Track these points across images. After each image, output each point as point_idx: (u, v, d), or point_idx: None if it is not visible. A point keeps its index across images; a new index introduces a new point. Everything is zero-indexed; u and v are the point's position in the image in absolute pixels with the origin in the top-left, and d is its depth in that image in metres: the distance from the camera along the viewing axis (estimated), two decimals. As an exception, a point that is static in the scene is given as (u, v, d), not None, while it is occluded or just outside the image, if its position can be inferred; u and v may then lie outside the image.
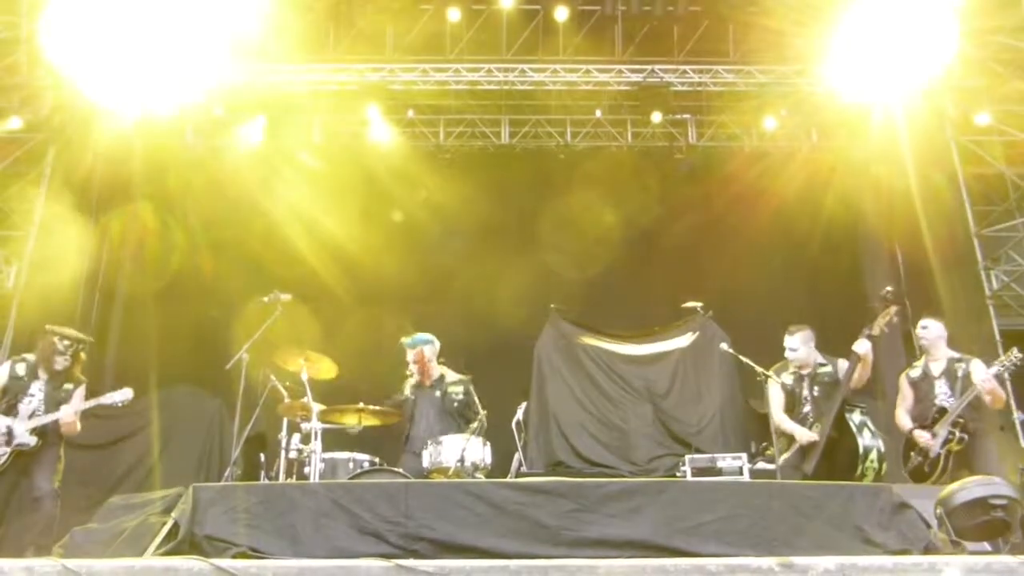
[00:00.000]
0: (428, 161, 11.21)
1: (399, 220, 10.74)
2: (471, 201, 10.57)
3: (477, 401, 6.84)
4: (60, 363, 6.08)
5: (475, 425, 6.36)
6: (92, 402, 6.12)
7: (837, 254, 10.34)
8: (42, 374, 6.11)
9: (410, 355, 7.11)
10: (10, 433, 5.85)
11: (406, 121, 11.26)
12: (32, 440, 5.87)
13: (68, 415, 5.94)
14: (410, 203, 10.78)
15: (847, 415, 5.94)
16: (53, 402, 6.00)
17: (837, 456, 5.90)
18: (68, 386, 6.13)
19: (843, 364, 6.20)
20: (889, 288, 6.29)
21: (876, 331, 6.10)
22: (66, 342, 6.13)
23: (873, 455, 5.77)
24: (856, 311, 9.82)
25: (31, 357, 6.19)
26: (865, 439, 5.83)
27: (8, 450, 5.81)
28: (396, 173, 10.97)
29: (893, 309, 6.14)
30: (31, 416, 5.92)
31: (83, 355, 6.28)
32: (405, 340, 7.20)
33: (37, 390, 6.03)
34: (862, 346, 6.00)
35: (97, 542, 4.56)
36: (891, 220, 10.49)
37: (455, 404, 7.03)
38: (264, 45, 9.95)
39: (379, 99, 10.58)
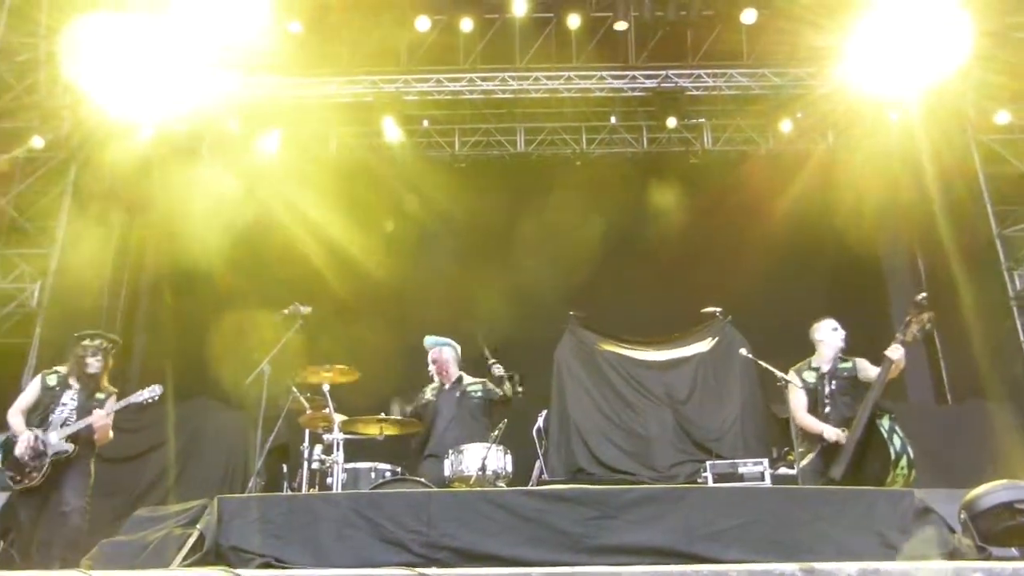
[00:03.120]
0: (443, 171, 11.27)
1: (416, 230, 10.78)
2: (487, 210, 10.61)
3: (506, 382, 6.84)
4: (93, 365, 6.08)
5: (495, 433, 6.37)
6: (123, 402, 6.08)
7: (856, 256, 10.28)
8: (73, 383, 6.10)
9: (430, 356, 7.14)
10: (45, 444, 5.85)
11: (421, 131, 11.34)
12: (67, 447, 5.86)
13: (100, 418, 5.91)
14: (427, 213, 10.82)
15: (878, 421, 5.88)
16: (85, 411, 5.98)
17: (867, 462, 5.82)
18: (100, 396, 6.11)
19: (861, 362, 6.15)
20: (923, 294, 6.21)
21: (909, 337, 6.03)
22: (97, 342, 6.16)
23: (903, 462, 5.69)
24: (877, 313, 9.81)
25: (62, 369, 6.18)
26: (896, 445, 5.76)
27: (46, 461, 5.82)
28: (412, 183, 11.02)
29: (926, 316, 6.06)
30: (63, 424, 5.93)
31: (111, 358, 6.28)
32: (426, 340, 7.25)
33: (69, 399, 6.02)
34: (896, 352, 5.91)
35: (124, 554, 4.60)
36: (911, 221, 10.44)
37: (474, 402, 6.97)
38: (278, 58, 10.04)
39: (394, 110, 10.65)
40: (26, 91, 10.05)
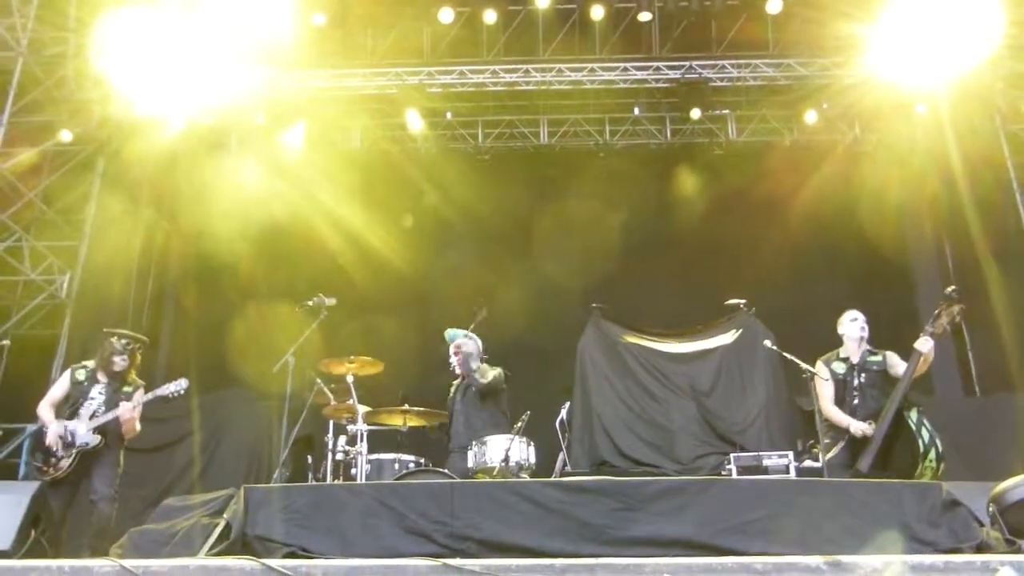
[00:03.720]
0: (467, 163, 11.30)
1: (439, 222, 10.81)
2: (510, 202, 10.63)
3: (503, 385, 6.85)
4: (119, 364, 6.22)
5: (519, 425, 6.38)
6: (150, 395, 6.22)
7: (883, 249, 10.18)
8: (102, 378, 6.24)
9: (451, 348, 7.14)
10: (73, 435, 5.99)
11: (445, 123, 11.35)
12: (95, 439, 6.01)
13: (127, 411, 6.05)
14: (450, 205, 10.84)
15: (906, 413, 5.84)
16: (113, 404, 6.12)
17: (895, 455, 5.78)
18: (127, 389, 6.25)
19: (891, 356, 6.10)
20: (953, 287, 6.15)
21: (939, 330, 5.97)
22: (124, 341, 6.29)
23: (932, 454, 5.65)
24: (903, 306, 9.72)
25: (90, 363, 6.33)
26: (924, 438, 5.72)
27: (73, 452, 5.98)
28: (435, 176, 11.05)
29: (956, 308, 6.00)
30: (91, 417, 6.06)
31: (139, 356, 6.41)
32: (447, 332, 7.26)
33: (97, 393, 6.16)
34: (925, 344, 5.85)
35: (153, 542, 4.66)
36: (938, 212, 10.32)
37: (480, 385, 6.88)
38: (303, 52, 10.10)
39: (417, 102, 10.67)
40: (55, 85, 10.17)
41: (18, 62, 9.59)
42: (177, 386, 6.20)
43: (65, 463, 5.96)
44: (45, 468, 6.00)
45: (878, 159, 10.59)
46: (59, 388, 6.29)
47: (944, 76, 9.25)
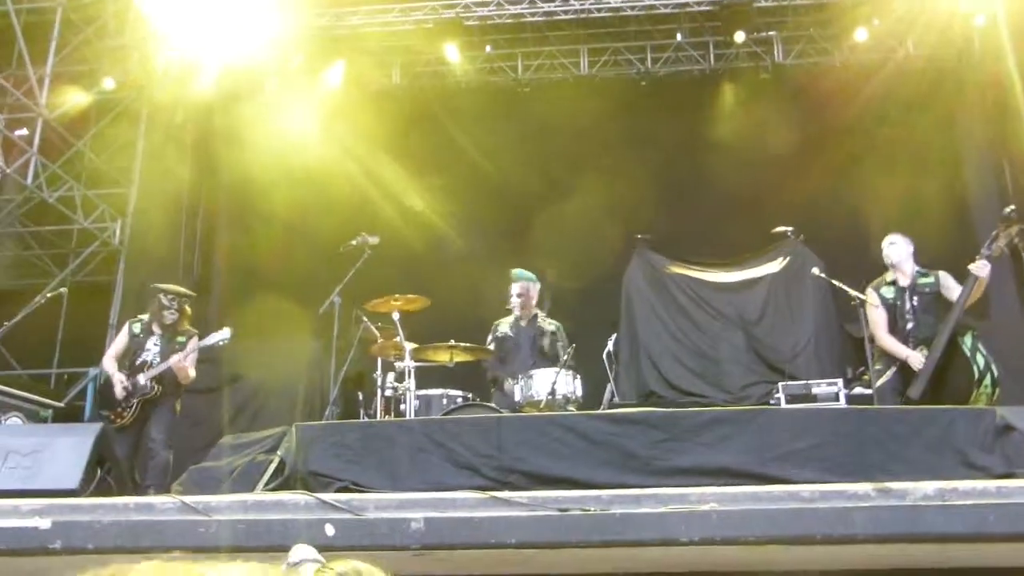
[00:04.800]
0: (507, 96, 11.16)
1: (481, 157, 10.72)
2: (552, 134, 10.49)
3: (566, 342, 6.91)
4: (169, 317, 6.54)
5: (565, 357, 6.42)
6: (195, 346, 6.52)
7: (937, 171, 9.82)
8: (156, 330, 6.57)
9: (515, 288, 7.15)
10: (133, 385, 6.38)
11: (484, 57, 11.19)
12: (152, 387, 6.36)
13: (177, 360, 6.35)
14: (492, 139, 10.74)
15: (960, 338, 5.71)
16: (166, 354, 6.45)
17: (949, 381, 5.67)
18: (181, 339, 6.55)
19: (944, 276, 5.94)
20: (1012, 207, 5.90)
21: (996, 252, 5.78)
22: (170, 296, 6.57)
23: (987, 380, 5.54)
24: (959, 229, 9.43)
25: (145, 317, 6.68)
26: (979, 363, 5.60)
27: (134, 401, 6.36)
28: (476, 110, 10.95)
29: (1015, 229, 5.78)
30: (148, 367, 6.42)
31: (188, 308, 6.71)
32: (514, 271, 7.28)
33: (152, 344, 6.52)
34: (983, 268, 5.66)
35: (211, 479, 4.82)
36: (996, 130, 9.92)
37: (547, 341, 7.06)
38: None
39: (455, 36, 10.51)
40: (95, 34, 10.23)
41: (58, 12, 9.66)
42: (221, 335, 6.52)
43: (128, 412, 6.37)
44: (112, 417, 6.39)
45: (931, 75, 10.19)
46: (120, 341, 6.69)
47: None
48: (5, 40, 10.26)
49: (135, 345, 6.55)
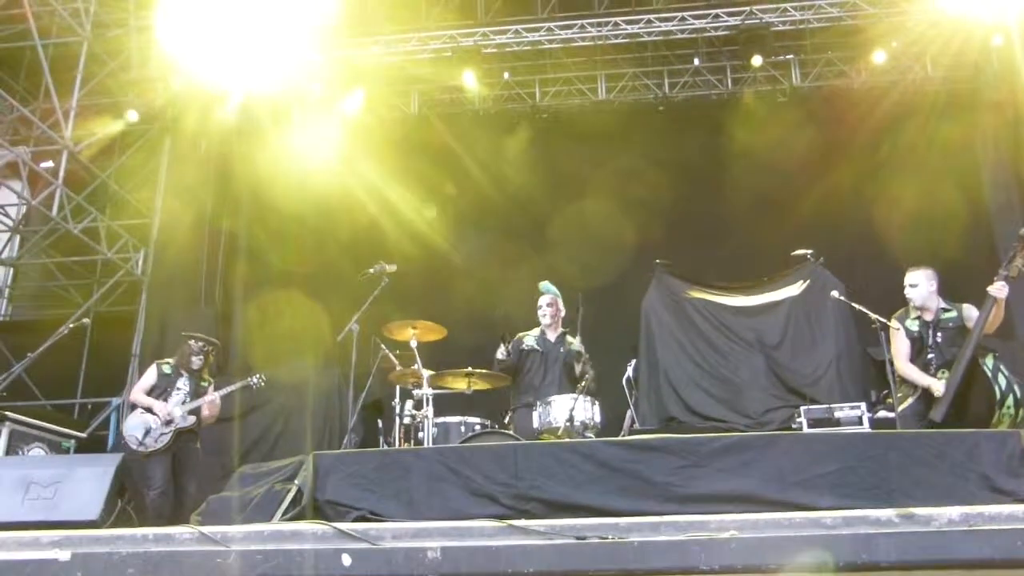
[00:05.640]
0: (526, 122, 11.23)
1: (499, 182, 10.77)
2: (570, 159, 10.53)
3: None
4: (196, 363, 7.02)
5: (583, 384, 6.38)
6: (236, 384, 7.15)
7: (958, 191, 9.75)
8: (183, 372, 7.02)
9: (545, 299, 7.14)
10: (171, 416, 6.77)
11: (502, 84, 11.28)
12: (190, 420, 6.83)
13: (214, 398, 6.96)
14: (511, 165, 10.80)
15: (980, 360, 5.63)
16: (196, 394, 6.96)
17: (971, 403, 5.59)
18: (204, 384, 7.08)
19: (968, 309, 5.84)
20: None
21: (1014, 272, 5.70)
22: (200, 343, 7.08)
23: (1010, 401, 5.44)
24: (980, 251, 9.34)
25: (171, 360, 7.12)
26: (1001, 384, 5.51)
27: (170, 429, 6.74)
28: (494, 137, 11.02)
29: None
30: (183, 403, 6.86)
31: (212, 357, 7.23)
32: (542, 284, 7.29)
33: (183, 384, 6.97)
34: (1001, 290, 5.59)
35: (230, 509, 4.84)
36: (1014, 150, 9.85)
37: (575, 360, 6.95)
38: (358, 20, 10.10)
39: (473, 63, 10.60)
40: (120, 67, 10.41)
41: (83, 46, 9.85)
42: (257, 379, 7.17)
43: (164, 439, 6.70)
44: (143, 446, 6.68)
45: (948, 95, 10.16)
46: (148, 379, 7.04)
47: (1020, 6, 8.78)
48: (31, 73, 10.51)
49: (164, 383, 6.95)
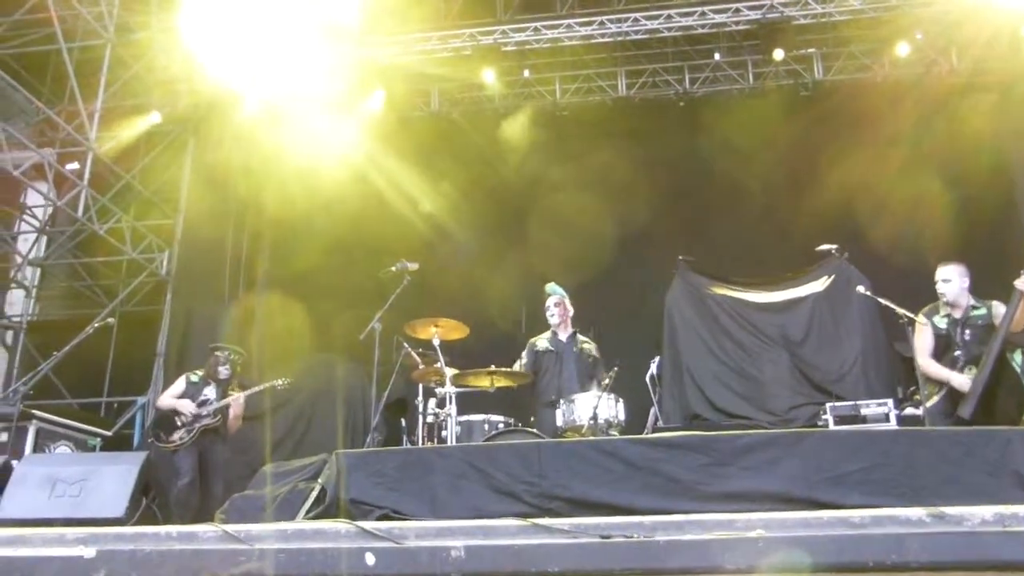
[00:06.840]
0: (546, 119, 11.20)
1: (521, 179, 10.74)
2: (592, 156, 10.47)
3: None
4: (223, 373, 7.33)
5: (607, 382, 6.37)
6: (263, 386, 7.39)
7: (987, 185, 9.61)
8: (211, 381, 7.33)
9: (552, 300, 7.26)
10: (197, 414, 7.12)
11: (522, 81, 11.25)
12: (216, 418, 7.15)
13: (239, 401, 7.29)
14: (532, 162, 10.77)
15: (1009, 355, 5.54)
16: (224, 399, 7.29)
17: (999, 400, 5.50)
18: (232, 393, 7.34)
19: (998, 307, 5.74)
20: None
21: None
22: (226, 353, 7.41)
23: (1040, 397, 5.38)
24: (1011, 246, 9.17)
25: (200, 371, 7.44)
26: (1031, 381, 5.44)
27: (196, 426, 7.07)
28: (515, 134, 11.00)
29: None
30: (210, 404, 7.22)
31: (239, 367, 7.50)
32: (548, 286, 7.36)
33: (210, 392, 7.27)
34: None
35: (254, 507, 4.87)
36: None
37: (589, 361, 7.15)
38: (378, 19, 10.10)
39: (493, 61, 10.57)
40: (145, 69, 10.48)
41: (107, 48, 9.92)
42: (282, 381, 7.39)
43: (188, 436, 7.04)
44: (167, 441, 7.06)
45: (976, 88, 10.00)
46: (176, 387, 7.40)
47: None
48: (57, 76, 10.60)
49: (193, 390, 7.26)
